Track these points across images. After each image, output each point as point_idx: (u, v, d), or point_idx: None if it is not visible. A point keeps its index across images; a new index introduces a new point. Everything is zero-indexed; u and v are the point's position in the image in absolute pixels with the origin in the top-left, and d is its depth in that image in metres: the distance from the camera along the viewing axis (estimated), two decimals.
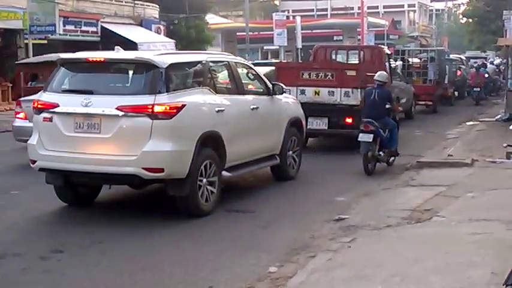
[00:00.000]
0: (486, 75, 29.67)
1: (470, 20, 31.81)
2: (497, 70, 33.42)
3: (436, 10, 77.65)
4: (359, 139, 11.35)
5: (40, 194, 9.26)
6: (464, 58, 34.99)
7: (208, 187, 8.41)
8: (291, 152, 10.79)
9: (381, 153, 11.64)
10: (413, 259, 6.26)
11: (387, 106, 11.75)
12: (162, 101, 7.85)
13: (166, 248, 7.09)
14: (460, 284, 5.52)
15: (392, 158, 12.05)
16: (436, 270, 5.90)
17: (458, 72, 30.01)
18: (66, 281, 6.11)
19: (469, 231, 7.23)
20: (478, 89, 27.87)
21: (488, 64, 33.46)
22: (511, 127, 4.90)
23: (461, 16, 41.24)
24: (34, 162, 8.37)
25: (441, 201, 8.90)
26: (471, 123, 20.35)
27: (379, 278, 5.77)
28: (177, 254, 6.85)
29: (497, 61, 37.07)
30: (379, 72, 12.14)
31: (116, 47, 9.03)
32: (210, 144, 8.46)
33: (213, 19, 46.11)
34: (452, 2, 73.81)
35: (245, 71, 10.31)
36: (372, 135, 11.30)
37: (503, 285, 4.15)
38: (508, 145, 5.90)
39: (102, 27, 30.05)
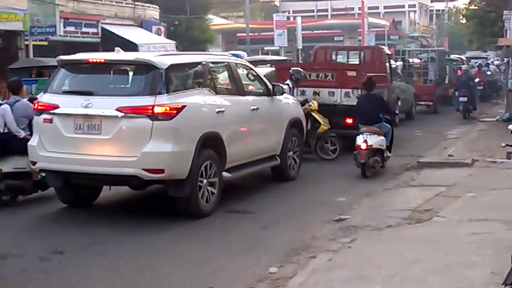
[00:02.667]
0: (488, 73, 29.87)
1: (470, 22, 31.93)
2: (497, 70, 33.46)
3: (437, 10, 77.56)
4: (460, 100, 21.18)
5: (40, 195, 9.27)
6: (464, 58, 35.00)
7: (209, 188, 8.42)
8: (291, 153, 10.80)
9: (471, 107, 21.40)
10: (413, 259, 6.27)
11: (471, 83, 22.23)
12: (162, 102, 7.86)
13: (166, 248, 7.10)
14: (459, 284, 5.53)
15: (474, 111, 21.82)
16: (435, 271, 5.91)
17: (459, 73, 30.00)
18: (66, 281, 6.12)
19: (469, 231, 7.24)
20: (482, 87, 27.90)
21: (490, 65, 33.55)
22: (510, 127, 4.86)
23: (461, 17, 41.47)
24: (34, 163, 8.39)
25: (441, 202, 8.90)
26: (472, 123, 20.33)
27: (379, 278, 5.78)
28: (177, 255, 6.86)
29: (496, 62, 37.10)
30: (465, 65, 25.15)
31: (116, 48, 9.04)
32: (211, 145, 8.46)
33: (213, 20, 46.09)
34: (452, 3, 73.76)
35: (245, 71, 10.31)
36: (466, 98, 21.01)
37: (502, 284, 4.15)
38: (507, 145, 5.87)
39: (102, 28, 30.05)
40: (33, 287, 6.02)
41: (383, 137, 11.45)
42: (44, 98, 8.45)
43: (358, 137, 11.19)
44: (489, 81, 29.51)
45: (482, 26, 29.79)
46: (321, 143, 13.16)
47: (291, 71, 13.25)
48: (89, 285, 6.05)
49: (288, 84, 12.77)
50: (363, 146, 10.96)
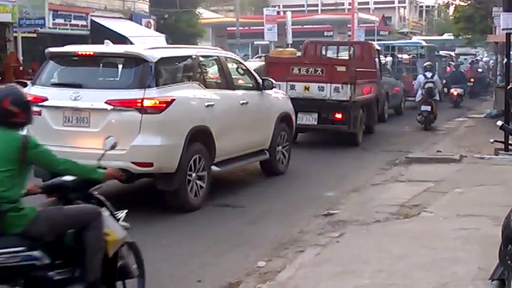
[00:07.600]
0: (480, 70, 30.20)
1: (460, 20, 32.08)
2: (486, 67, 33.65)
3: (426, 7, 77.76)
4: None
5: None
6: (453, 54, 35.13)
7: (198, 182, 8.42)
8: (280, 147, 10.81)
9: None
10: (400, 255, 6.30)
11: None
12: (152, 96, 7.84)
13: (154, 242, 7.07)
14: (446, 279, 5.56)
15: None
16: (422, 266, 5.94)
17: (448, 69, 30.17)
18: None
19: (456, 226, 7.28)
20: (472, 83, 28.13)
21: (480, 61, 33.80)
22: (498, 123, 4.86)
23: (451, 17, 41.59)
24: None
25: (429, 197, 8.94)
26: (460, 119, 20.45)
27: (366, 273, 5.81)
28: (165, 249, 6.85)
29: (485, 58, 37.30)
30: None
31: (105, 41, 9.01)
32: (200, 139, 8.45)
33: (203, 14, 45.98)
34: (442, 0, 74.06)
35: (235, 66, 10.30)
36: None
37: (489, 280, 4.18)
38: (496, 141, 5.91)
39: (92, 21, 29.88)
40: None
41: (462, 89, 24.95)
42: (33, 90, 8.39)
43: (452, 89, 24.62)
44: (478, 77, 29.69)
45: (471, 22, 29.90)
46: None
47: (426, 64, 18.11)
48: None
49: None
50: (455, 93, 24.41)
